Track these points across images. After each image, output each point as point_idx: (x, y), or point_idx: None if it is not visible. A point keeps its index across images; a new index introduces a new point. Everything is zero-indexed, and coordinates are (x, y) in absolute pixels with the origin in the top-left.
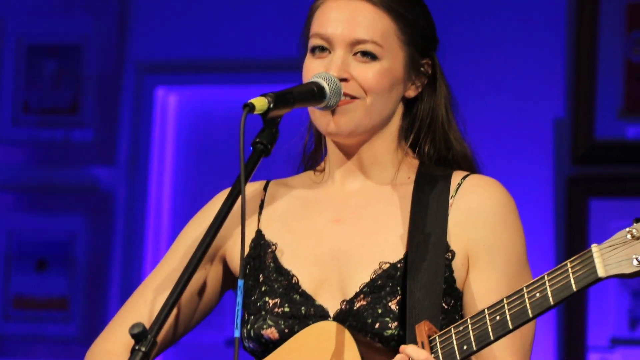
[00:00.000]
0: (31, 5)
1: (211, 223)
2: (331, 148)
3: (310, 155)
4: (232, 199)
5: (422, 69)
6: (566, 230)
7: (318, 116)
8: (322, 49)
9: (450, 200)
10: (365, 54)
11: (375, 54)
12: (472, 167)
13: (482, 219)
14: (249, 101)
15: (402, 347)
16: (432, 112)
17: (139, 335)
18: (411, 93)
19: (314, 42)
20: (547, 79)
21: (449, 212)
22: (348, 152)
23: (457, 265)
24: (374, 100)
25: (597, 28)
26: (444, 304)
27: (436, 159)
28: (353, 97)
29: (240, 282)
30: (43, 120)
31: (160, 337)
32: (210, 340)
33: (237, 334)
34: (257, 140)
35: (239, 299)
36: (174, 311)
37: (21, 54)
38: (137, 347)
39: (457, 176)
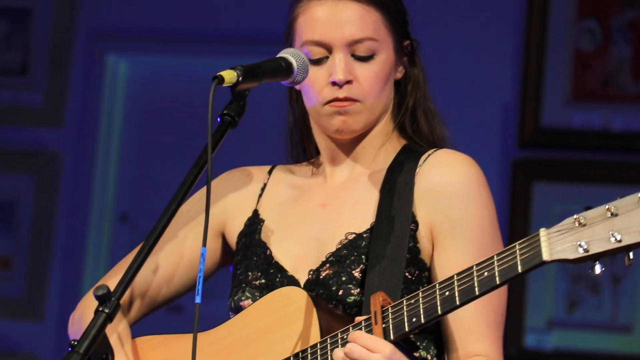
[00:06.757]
0: None
1: (177, 191)
2: (322, 141)
3: (298, 151)
4: (198, 168)
5: (404, 50)
6: (509, 212)
7: (324, 117)
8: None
9: (417, 169)
10: (363, 55)
11: (373, 52)
12: (447, 146)
13: (444, 192)
14: (218, 73)
15: (358, 319)
16: (415, 87)
17: (103, 297)
18: (399, 75)
19: (312, 52)
20: (497, 63)
21: (415, 183)
22: (342, 143)
23: (420, 236)
24: (376, 99)
25: (547, 15)
26: (407, 274)
27: (421, 140)
28: (355, 100)
29: (203, 250)
30: None
31: (143, 299)
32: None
33: (197, 300)
34: (225, 112)
35: (201, 266)
36: (164, 275)
37: None
38: (100, 309)
39: (428, 151)
